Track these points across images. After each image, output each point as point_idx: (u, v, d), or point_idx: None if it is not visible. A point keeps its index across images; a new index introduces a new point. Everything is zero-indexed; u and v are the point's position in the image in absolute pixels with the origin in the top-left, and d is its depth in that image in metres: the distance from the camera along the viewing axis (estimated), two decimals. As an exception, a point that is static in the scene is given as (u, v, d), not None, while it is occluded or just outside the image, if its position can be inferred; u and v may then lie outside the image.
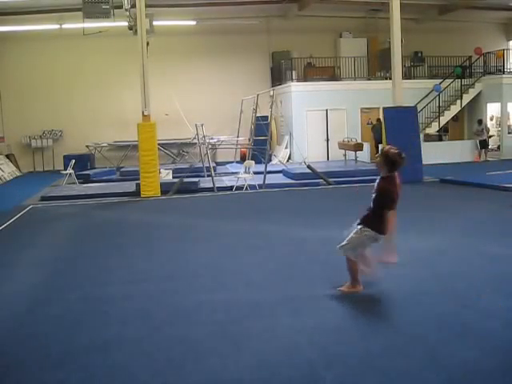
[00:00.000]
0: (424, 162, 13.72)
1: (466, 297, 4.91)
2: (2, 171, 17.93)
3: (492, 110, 20.53)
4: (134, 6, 13.42)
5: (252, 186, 13.12)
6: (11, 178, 18.22)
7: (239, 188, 13.07)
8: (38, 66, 20.30)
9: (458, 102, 19.97)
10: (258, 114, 16.96)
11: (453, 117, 20.40)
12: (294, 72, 20.08)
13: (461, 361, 3.64)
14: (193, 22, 20.35)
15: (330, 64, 20.66)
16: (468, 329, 4.16)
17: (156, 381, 3.57)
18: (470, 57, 20.56)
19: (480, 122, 18.72)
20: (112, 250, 7.50)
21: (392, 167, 4.72)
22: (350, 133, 19.07)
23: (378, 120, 19.78)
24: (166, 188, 12.95)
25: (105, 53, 20.16)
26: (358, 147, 17.29)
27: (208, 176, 14.29)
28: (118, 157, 20.48)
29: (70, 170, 15.40)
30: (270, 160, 17.57)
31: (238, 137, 19.05)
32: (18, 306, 5.21)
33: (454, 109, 20.05)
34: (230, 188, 13.25)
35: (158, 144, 13.70)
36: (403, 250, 6.22)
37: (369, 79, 20.65)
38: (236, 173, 14.68)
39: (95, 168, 19.24)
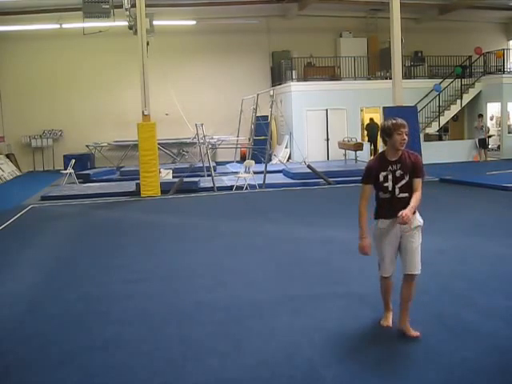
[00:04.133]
0: (424, 162, 13.61)
1: (466, 297, 4.91)
2: (2, 171, 17.93)
3: (492, 109, 20.53)
4: (134, 5, 13.42)
5: (252, 186, 13.12)
6: (11, 177, 18.22)
7: (239, 188, 13.07)
8: (38, 66, 20.30)
9: (458, 101, 19.97)
10: (257, 114, 16.96)
11: (453, 116, 20.41)
12: (293, 72, 20.08)
13: (461, 361, 3.64)
14: (193, 22, 20.36)
15: (329, 64, 20.66)
16: (468, 329, 4.16)
17: (156, 381, 3.58)
18: (470, 56, 20.56)
19: (481, 116, 18.69)
20: (112, 249, 7.50)
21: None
22: (350, 132, 19.09)
23: (371, 120, 19.92)
24: (165, 188, 12.94)
25: (105, 52, 20.15)
26: (358, 147, 17.31)
27: (208, 176, 14.29)
28: (118, 157, 20.48)
29: (70, 170, 15.39)
30: (270, 160, 17.57)
31: (238, 136, 19.06)
32: (18, 305, 5.21)
33: (454, 108, 20.05)
34: (230, 188, 13.24)
35: (158, 144, 13.70)
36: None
37: (369, 79, 20.64)
38: (236, 172, 14.69)
39: (95, 168, 19.23)
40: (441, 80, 19.99)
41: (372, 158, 4.09)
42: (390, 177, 3.96)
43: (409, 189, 3.95)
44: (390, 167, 3.97)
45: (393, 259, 4.09)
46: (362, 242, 4.02)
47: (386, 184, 3.96)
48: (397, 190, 3.96)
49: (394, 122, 3.94)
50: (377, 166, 4.00)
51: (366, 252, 4.04)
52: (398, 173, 3.96)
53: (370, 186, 4.01)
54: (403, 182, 3.96)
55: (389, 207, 3.98)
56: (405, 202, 3.91)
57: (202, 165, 15.37)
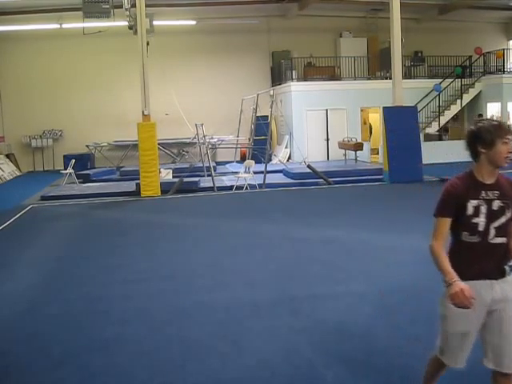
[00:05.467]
0: (424, 162, 13.71)
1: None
2: (2, 171, 17.93)
3: (492, 109, 20.52)
4: (134, 5, 13.42)
5: (252, 186, 13.11)
6: (11, 177, 18.22)
7: (239, 188, 13.06)
8: (38, 66, 20.29)
9: (458, 101, 19.96)
10: (258, 114, 16.96)
11: (453, 116, 20.41)
12: (293, 72, 20.07)
13: (461, 361, 3.63)
14: (193, 22, 20.35)
15: (330, 64, 20.64)
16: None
17: (156, 381, 3.58)
18: (470, 56, 20.56)
19: (480, 116, 18.71)
20: (112, 249, 7.50)
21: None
22: (350, 132, 19.09)
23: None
24: (165, 188, 12.94)
25: (105, 52, 20.14)
26: (358, 147, 17.31)
27: (208, 176, 14.29)
28: (118, 156, 20.48)
29: (69, 170, 15.39)
30: (270, 160, 17.57)
31: (238, 136, 19.06)
32: (18, 305, 5.21)
33: (454, 108, 20.04)
34: (230, 188, 13.24)
35: (158, 144, 13.69)
36: (404, 250, 6.22)
37: (369, 79, 20.64)
38: (236, 172, 14.68)
39: (95, 168, 19.23)
40: (441, 80, 19.98)
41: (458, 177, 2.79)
42: (483, 209, 2.55)
43: (507, 231, 2.59)
44: (483, 194, 2.58)
45: (472, 343, 2.71)
46: (455, 287, 2.53)
47: (475, 220, 2.56)
48: (491, 232, 2.55)
49: (495, 124, 2.62)
50: (464, 191, 2.61)
51: (468, 301, 2.50)
52: (497, 204, 2.55)
53: (448, 221, 2.62)
54: (503, 219, 2.55)
55: (476, 259, 2.59)
56: (501, 253, 2.58)
57: (201, 165, 15.37)
